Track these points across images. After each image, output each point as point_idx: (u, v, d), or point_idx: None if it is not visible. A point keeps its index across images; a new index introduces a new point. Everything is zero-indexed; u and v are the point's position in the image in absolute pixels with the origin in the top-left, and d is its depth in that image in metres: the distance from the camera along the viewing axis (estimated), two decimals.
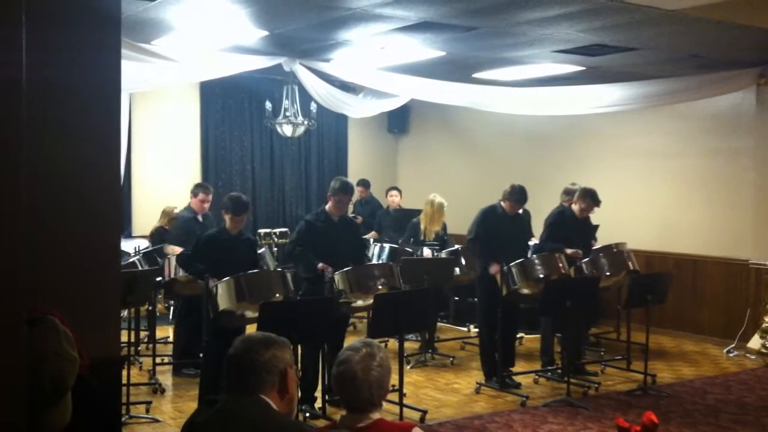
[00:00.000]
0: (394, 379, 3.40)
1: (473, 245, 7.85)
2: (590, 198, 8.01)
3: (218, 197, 11.53)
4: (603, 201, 8.10)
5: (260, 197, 12.35)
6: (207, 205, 8.37)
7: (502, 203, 7.78)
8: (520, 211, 7.94)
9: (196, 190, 8.41)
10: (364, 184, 11.54)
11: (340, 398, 2.97)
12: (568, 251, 7.83)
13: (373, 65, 9.53)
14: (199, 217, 8.32)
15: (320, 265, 6.72)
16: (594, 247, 8.59)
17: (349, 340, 7.41)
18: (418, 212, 9.65)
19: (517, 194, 7.70)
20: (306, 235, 6.96)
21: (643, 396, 7.35)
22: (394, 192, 11.14)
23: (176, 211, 8.96)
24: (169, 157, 11.67)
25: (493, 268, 7.54)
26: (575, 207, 8.14)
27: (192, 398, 7.02)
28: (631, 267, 8.20)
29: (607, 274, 8.05)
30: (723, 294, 9.69)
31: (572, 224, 8.14)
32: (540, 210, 9.40)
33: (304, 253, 6.87)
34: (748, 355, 8.97)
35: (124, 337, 6.74)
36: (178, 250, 8.03)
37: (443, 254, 8.93)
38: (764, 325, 8.85)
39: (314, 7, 6.92)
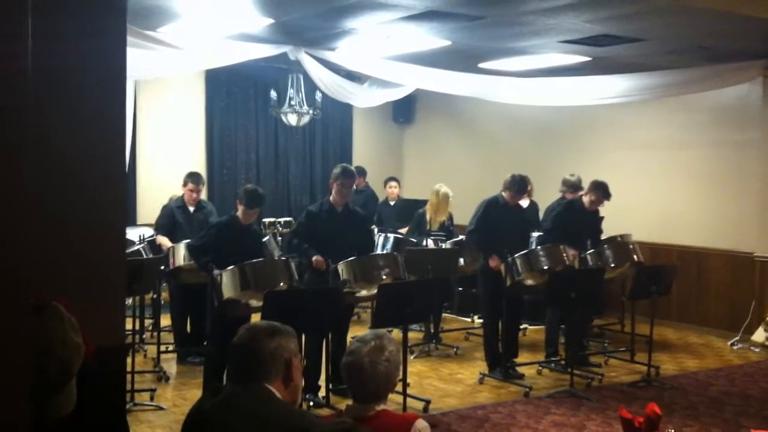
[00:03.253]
0: None
1: (473, 237, 7.82)
2: (601, 191, 7.99)
3: (223, 185, 11.55)
4: (610, 193, 8.08)
5: (265, 186, 12.26)
6: (196, 195, 8.28)
7: (503, 193, 7.76)
8: (527, 202, 7.92)
9: (185, 179, 8.31)
10: (360, 172, 11.38)
11: (347, 388, 2.99)
12: (571, 252, 7.79)
13: (379, 54, 9.51)
14: (190, 208, 8.26)
15: (314, 258, 6.70)
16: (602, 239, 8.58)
17: (354, 330, 7.48)
18: (422, 203, 9.63)
19: (518, 184, 7.68)
20: (307, 226, 6.95)
21: (646, 388, 7.35)
22: (393, 183, 11.08)
23: None
24: (174, 145, 11.67)
25: (493, 262, 7.52)
26: (585, 199, 8.13)
27: (196, 386, 7.04)
28: (636, 259, 8.18)
29: (612, 265, 8.05)
30: (727, 286, 9.68)
31: (580, 216, 8.12)
32: (545, 201, 9.40)
33: (299, 246, 6.87)
34: (752, 347, 8.96)
35: (128, 325, 6.75)
36: (166, 241, 8.03)
37: (448, 245, 8.91)
38: None
39: None
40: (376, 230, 9.72)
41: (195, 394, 6.76)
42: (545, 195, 9.51)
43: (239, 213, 6.65)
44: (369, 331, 3.09)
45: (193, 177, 8.32)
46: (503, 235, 7.59)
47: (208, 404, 2.62)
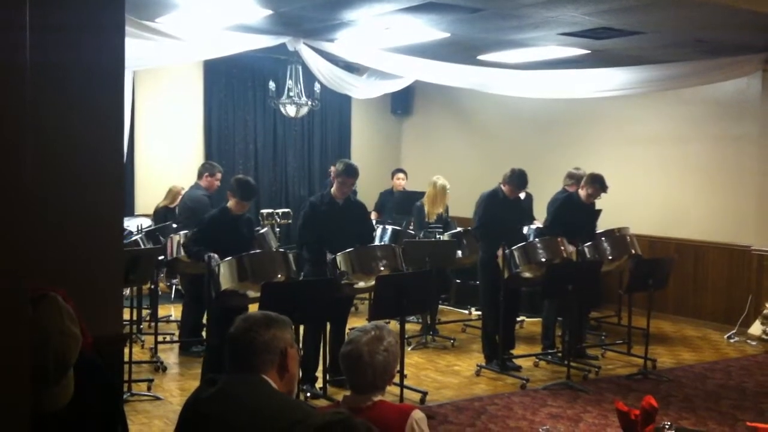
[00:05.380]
0: None
1: (478, 233, 7.80)
2: (598, 184, 7.98)
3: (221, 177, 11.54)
4: (608, 186, 8.09)
5: (263, 177, 12.34)
6: (218, 184, 8.53)
7: (502, 186, 7.76)
8: (523, 195, 7.92)
9: (213, 169, 8.51)
10: None
11: (345, 377, 3.01)
12: (570, 247, 7.80)
13: (378, 46, 9.50)
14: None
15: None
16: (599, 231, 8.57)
17: (351, 322, 7.49)
18: (420, 194, 9.63)
19: (517, 178, 7.68)
20: (310, 218, 6.95)
21: (643, 380, 7.37)
22: (401, 174, 11.11)
23: (184, 191, 9.00)
24: (172, 135, 11.67)
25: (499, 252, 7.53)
26: (582, 192, 8.12)
27: (193, 376, 7.05)
28: (634, 252, 8.19)
29: (610, 258, 8.06)
30: (725, 280, 9.70)
31: (578, 209, 8.12)
32: (543, 194, 9.40)
33: (312, 246, 6.83)
34: (749, 341, 8.99)
35: (126, 316, 6.76)
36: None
37: (446, 237, 8.92)
38: (765, 311, 8.87)
39: None
40: (374, 221, 9.73)
41: (193, 384, 6.76)
42: (543, 188, 9.51)
43: (231, 204, 6.65)
44: (371, 323, 3.11)
45: (218, 167, 8.66)
46: (503, 227, 7.59)
47: (204, 395, 2.63)
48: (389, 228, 9.20)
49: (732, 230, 9.62)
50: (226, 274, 6.19)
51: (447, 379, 7.40)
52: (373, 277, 6.47)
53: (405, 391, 6.27)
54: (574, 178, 8.85)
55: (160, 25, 8.04)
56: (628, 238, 8.48)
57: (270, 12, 7.85)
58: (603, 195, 8.16)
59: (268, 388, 2.59)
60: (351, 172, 6.96)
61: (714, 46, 8.66)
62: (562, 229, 7.91)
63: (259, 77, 11.98)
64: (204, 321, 8.16)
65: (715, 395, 6.97)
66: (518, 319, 8.48)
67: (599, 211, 8.55)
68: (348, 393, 3.03)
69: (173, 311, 9.58)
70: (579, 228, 8.02)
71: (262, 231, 8.33)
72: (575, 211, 8.11)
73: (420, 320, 9.05)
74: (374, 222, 9.74)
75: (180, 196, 9.13)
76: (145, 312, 8.83)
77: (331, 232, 6.79)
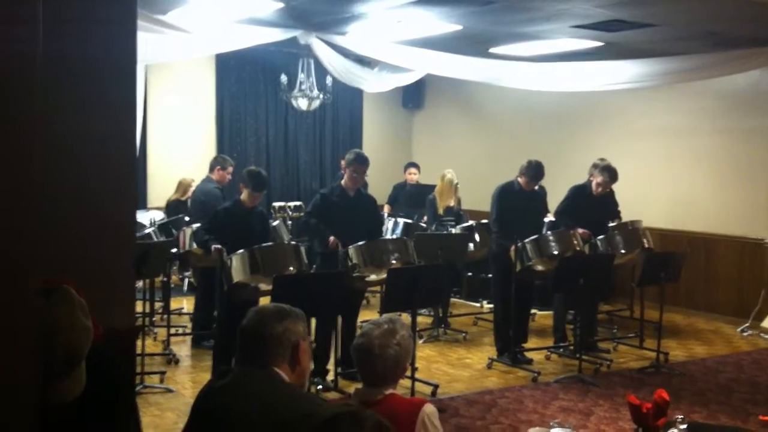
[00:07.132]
0: None
1: (498, 225, 7.76)
2: (607, 173, 7.94)
3: (232, 169, 11.58)
4: (618, 178, 8.05)
5: (274, 170, 12.36)
6: (230, 177, 8.55)
7: (518, 179, 7.74)
8: (537, 187, 7.88)
9: (224, 162, 8.53)
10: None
11: (357, 370, 3.01)
12: (579, 231, 7.76)
13: (389, 39, 9.48)
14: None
15: (331, 238, 6.72)
16: (611, 224, 8.53)
17: (363, 315, 7.50)
18: (434, 188, 9.64)
19: (534, 170, 7.65)
20: (320, 208, 6.97)
21: (654, 374, 7.35)
22: (413, 169, 11.12)
23: (194, 183, 9.03)
24: (184, 129, 11.70)
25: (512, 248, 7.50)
26: (593, 182, 8.09)
27: (205, 369, 7.08)
28: (646, 245, 8.16)
29: (622, 251, 8.02)
30: (737, 273, 9.66)
31: (590, 200, 8.07)
32: (555, 187, 9.37)
33: (317, 226, 6.89)
34: (761, 334, 8.95)
35: (138, 308, 6.79)
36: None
37: (457, 230, 8.92)
38: None
39: None
40: (386, 215, 9.73)
41: (205, 377, 6.79)
42: (555, 181, 9.48)
43: (244, 196, 6.68)
44: (385, 316, 3.11)
45: (230, 161, 8.70)
46: (518, 220, 7.56)
47: (216, 386, 2.64)
48: (401, 221, 9.20)
49: (744, 223, 9.58)
50: (237, 267, 6.21)
51: (458, 372, 7.41)
52: (384, 270, 6.48)
53: (416, 383, 6.28)
54: (597, 168, 8.80)
55: (172, 19, 8.05)
56: (640, 231, 8.44)
57: (281, 5, 7.85)
58: (614, 188, 8.13)
59: (279, 381, 2.60)
60: (361, 160, 6.99)
61: (726, 38, 8.61)
62: (571, 217, 7.87)
63: (271, 71, 11.97)
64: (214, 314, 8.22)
65: (728, 389, 6.95)
66: (530, 312, 8.45)
67: (615, 202, 8.50)
68: (359, 386, 3.03)
69: (185, 304, 9.62)
70: (592, 218, 7.94)
71: (274, 224, 8.36)
72: (586, 201, 8.05)
73: (431, 313, 9.06)
74: (386, 215, 9.77)
75: (191, 189, 9.17)
76: (157, 305, 8.87)
77: (341, 224, 6.80)
